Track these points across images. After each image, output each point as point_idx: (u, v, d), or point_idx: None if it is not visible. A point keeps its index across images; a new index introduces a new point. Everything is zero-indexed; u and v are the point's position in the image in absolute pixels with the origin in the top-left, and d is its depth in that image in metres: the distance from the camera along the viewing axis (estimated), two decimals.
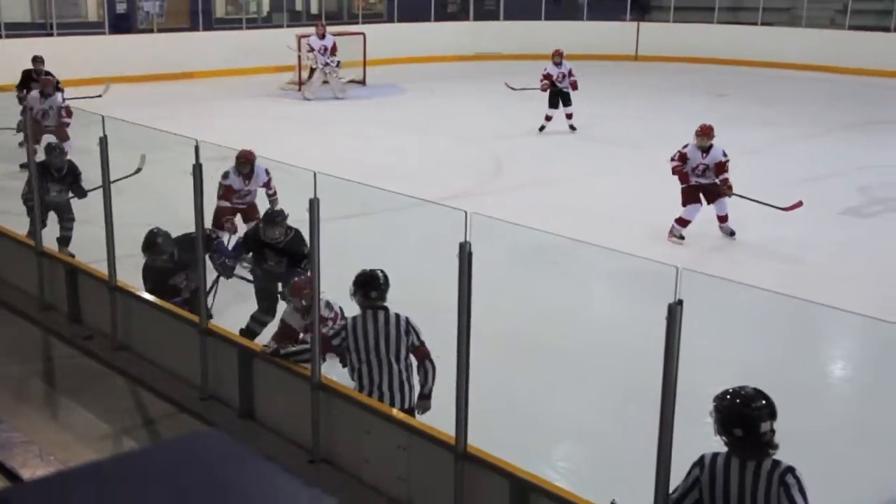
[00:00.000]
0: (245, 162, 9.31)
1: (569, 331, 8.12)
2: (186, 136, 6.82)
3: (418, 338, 5.69)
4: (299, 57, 20.48)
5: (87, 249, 8.19)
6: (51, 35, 21.16)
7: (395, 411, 5.62)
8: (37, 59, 14.39)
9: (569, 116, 16.16)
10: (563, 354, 7.67)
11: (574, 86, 16.15)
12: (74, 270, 7.93)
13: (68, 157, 9.59)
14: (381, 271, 5.84)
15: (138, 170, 7.90)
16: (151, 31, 22.61)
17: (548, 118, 16.18)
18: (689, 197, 10.33)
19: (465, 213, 4.70)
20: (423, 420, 5.63)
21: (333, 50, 19.88)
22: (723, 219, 10.36)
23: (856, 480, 5.83)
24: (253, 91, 20.38)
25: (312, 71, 20.00)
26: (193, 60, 21.98)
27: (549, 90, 16.10)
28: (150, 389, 6.84)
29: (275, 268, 7.66)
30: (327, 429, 5.83)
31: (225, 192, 9.27)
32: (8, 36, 20.50)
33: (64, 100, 13.24)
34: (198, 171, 6.40)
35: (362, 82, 21.41)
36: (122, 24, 22.69)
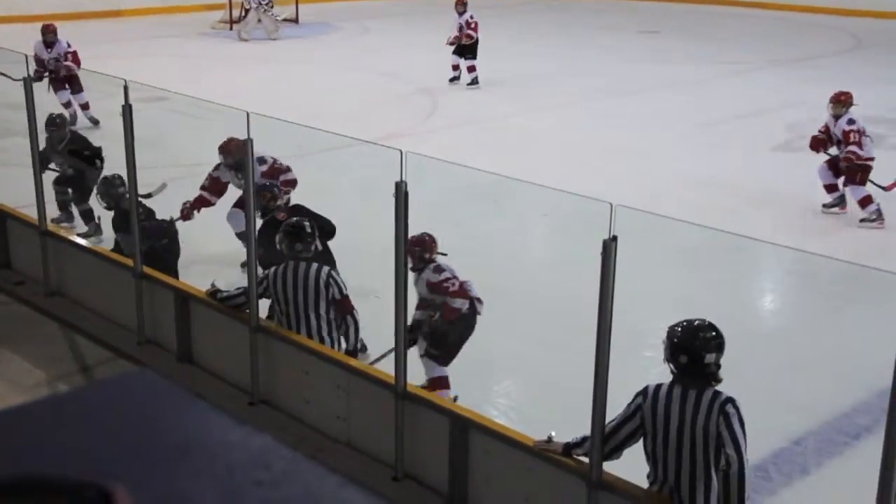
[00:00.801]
0: (227, 153, 7.70)
1: (508, 268, 8.18)
2: (115, 76, 6.68)
3: (340, 291, 5.59)
4: None
5: (16, 194, 8.01)
6: None
7: (335, 352, 5.63)
8: None
9: (469, 70, 15.02)
10: (503, 292, 7.72)
11: (467, 38, 14.88)
12: (3, 215, 7.76)
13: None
14: (310, 223, 5.79)
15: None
16: None
17: (454, 67, 15.20)
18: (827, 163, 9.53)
19: (401, 152, 4.68)
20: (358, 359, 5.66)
21: None
22: (861, 202, 9.16)
23: (781, 409, 6.00)
24: (183, 30, 19.96)
25: (247, 11, 19.65)
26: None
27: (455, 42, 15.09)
28: (86, 335, 6.76)
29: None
30: (267, 371, 5.83)
31: (211, 183, 7.87)
32: None
33: (69, 44, 12.28)
34: (127, 111, 6.27)
35: (295, 20, 21.09)
36: None
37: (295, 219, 5.89)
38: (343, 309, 5.61)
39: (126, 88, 6.26)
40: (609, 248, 4.01)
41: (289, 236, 5.69)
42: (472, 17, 14.96)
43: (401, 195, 4.79)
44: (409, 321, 5.45)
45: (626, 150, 11.69)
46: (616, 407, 4.16)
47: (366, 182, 9.31)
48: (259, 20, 19.56)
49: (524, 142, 12.14)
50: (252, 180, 5.72)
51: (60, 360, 6.56)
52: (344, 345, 5.67)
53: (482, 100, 14.59)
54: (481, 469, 4.90)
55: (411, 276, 5.53)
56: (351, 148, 9.57)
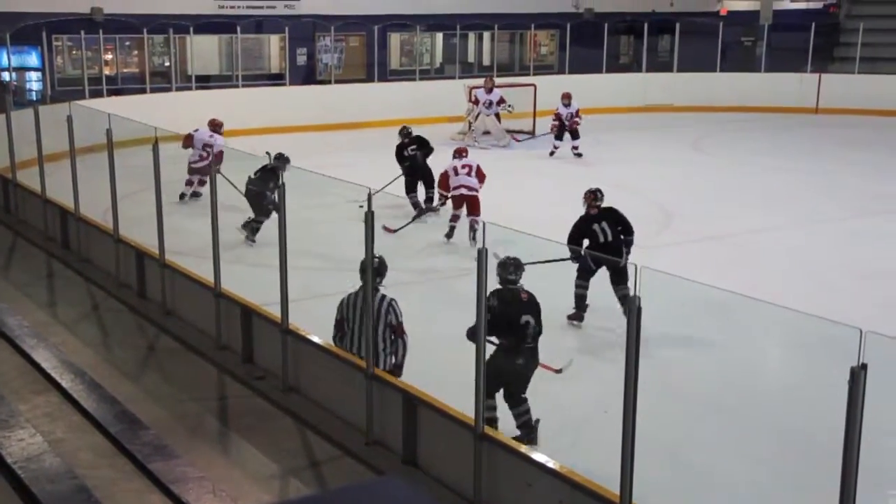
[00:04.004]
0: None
1: (736, 387, 7.86)
2: (358, 183, 7.00)
3: (397, 318, 6.79)
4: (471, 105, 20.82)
5: (261, 292, 8.47)
6: (236, 86, 22.24)
7: (559, 465, 5.53)
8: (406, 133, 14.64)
9: (574, 147, 18.92)
10: (728, 411, 7.41)
11: (574, 124, 18.92)
12: (249, 312, 8.20)
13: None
14: (377, 258, 6.77)
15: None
16: (329, 82, 23.45)
17: (555, 147, 19.03)
18: None
19: (635, 266, 4.62)
20: (583, 474, 5.51)
21: (499, 104, 20.15)
22: None
23: None
24: None
25: (477, 117, 20.32)
26: (368, 110, 22.61)
27: (557, 128, 19.06)
28: (317, 431, 6.97)
29: None
30: (489, 479, 5.79)
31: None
32: (198, 88, 21.68)
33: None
34: (369, 218, 6.53)
35: (532, 133, 21.50)
36: (302, 75, 23.67)
37: (379, 256, 6.87)
38: (397, 332, 6.81)
39: (370, 196, 6.55)
40: (857, 378, 3.76)
41: (361, 273, 6.79)
42: (577, 109, 19.00)
43: (634, 310, 4.71)
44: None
45: (877, 273, 11.08)
46: None
47: (598, 294, 9.26)
48: (486, 130, 20.14)
49: (764, 259, 11.75)
50: (485, 292, 5.78)
51: (293, 455, 6.78)
52: (393, 360, 6.85)
53: (720, 214, 14.28)
54: None
55: None
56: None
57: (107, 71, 21.28)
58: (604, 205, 9.53)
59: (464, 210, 12.44)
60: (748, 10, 29.60)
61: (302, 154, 13.42)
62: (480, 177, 12.68)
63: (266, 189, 11.78)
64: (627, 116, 24.63)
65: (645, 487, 5.48)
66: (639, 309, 4.69)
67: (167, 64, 22.21)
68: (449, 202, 12.79)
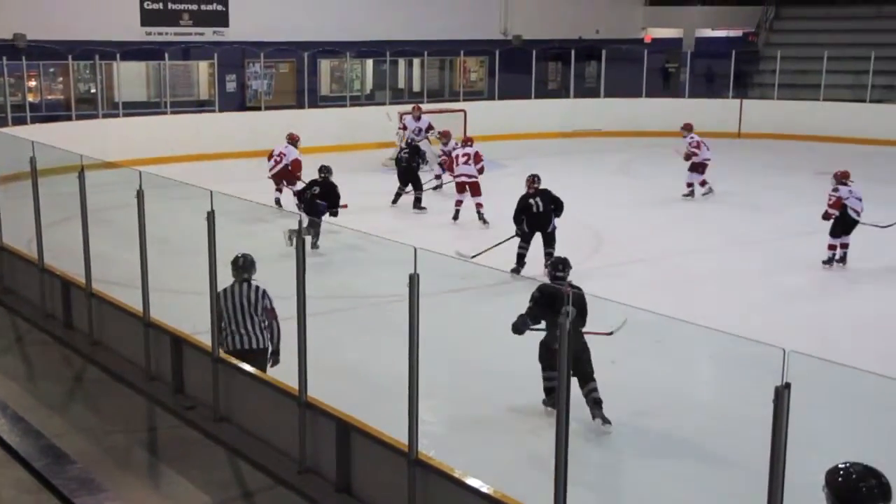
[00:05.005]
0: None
1: (666, 410, 7.95)
2: (291, 211, 6.97)
3: (270, 303, 7.64)
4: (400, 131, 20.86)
5: (192, 320, 8.36)
6: (164, 113, 22.00)
7: (493, 490, 5.53)
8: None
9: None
10: (660, 434, 7.49)
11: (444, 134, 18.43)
12: (179, 341, 8.09)
13: None
14: (242, 256, 7.67)
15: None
16: (259, 108, 23.33)
17: (436, 176, 18.55)
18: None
19: (568, 289, 4.67)
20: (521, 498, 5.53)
21: (428, 130, 20.24)
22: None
23: None
24: (355, 166, 20.70)
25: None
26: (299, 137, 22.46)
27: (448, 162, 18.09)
28: (249, 461, 6.89)
29: None
30: None
31: None
32: (125, 115, 21.38)
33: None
34: (300, 245, 6.49)
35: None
36: (232, 102, 23.52)
37: (242, 255, 7.72)
38: (272, 315, 7.64)
39: (300, 223, 6.52)
40: (782, 397, 3.84)
41: (232, 267, 7.64)
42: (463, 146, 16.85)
43: (564, 332, 4.76)
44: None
45: (798, 293, 11.33)
46: None
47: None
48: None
49: (690, 280, 11.93)
50: (417, 318, 5.77)
51: (224, 486, 6.69)
52: (270, 346, 7.61)
53: (650, 237, 14.49)
54: None
55: None
56: (514, 283, 9.63)
57: (30, 98, 20.91)
58: (541, 188, 12.34)
59: (467, 195, 15.28)
60: (672, 37, 30.23)
61: (231, 180, 13.33)
62: (477, 160, 15.55)
63: (329, 200, 13.29)
64: (556, 141, 24.91)
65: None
66: (570, 332, 4.73)
67: (93, 91, 21.91)
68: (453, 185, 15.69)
